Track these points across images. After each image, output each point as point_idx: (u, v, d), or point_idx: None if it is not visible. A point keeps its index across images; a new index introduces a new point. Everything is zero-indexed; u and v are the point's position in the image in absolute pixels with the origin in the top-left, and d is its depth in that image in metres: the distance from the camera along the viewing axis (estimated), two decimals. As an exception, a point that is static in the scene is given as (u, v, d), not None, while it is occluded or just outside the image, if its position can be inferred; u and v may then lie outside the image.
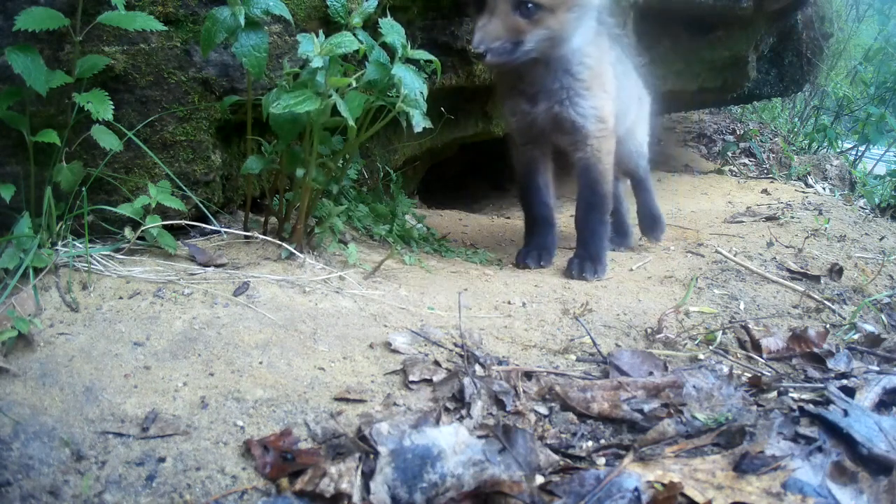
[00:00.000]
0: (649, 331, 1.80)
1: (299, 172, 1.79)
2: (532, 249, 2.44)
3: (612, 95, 2.34)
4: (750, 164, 5.70)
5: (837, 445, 1.26)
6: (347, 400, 1.33)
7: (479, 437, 1.21)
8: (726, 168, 5.41)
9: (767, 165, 5.60)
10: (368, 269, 1.98)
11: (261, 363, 1.40)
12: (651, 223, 2.86)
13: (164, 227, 1.75)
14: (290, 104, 1.57)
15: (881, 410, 1.43)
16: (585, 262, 2.28)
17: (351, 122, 1.65)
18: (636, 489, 1.10)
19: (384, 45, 1.71)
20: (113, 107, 1.61)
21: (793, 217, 3.32)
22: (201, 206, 1.91)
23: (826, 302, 2.16)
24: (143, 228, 1.72)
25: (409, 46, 1.70)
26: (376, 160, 2.86)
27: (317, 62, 1.59)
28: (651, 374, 1.53)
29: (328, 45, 1.61)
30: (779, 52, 5.29)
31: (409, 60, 1.71)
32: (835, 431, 1.29)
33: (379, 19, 1.71)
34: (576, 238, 2.41)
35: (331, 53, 1.60)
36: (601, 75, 2.29)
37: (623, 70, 2.58)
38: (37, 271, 1.55)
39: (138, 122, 1.77)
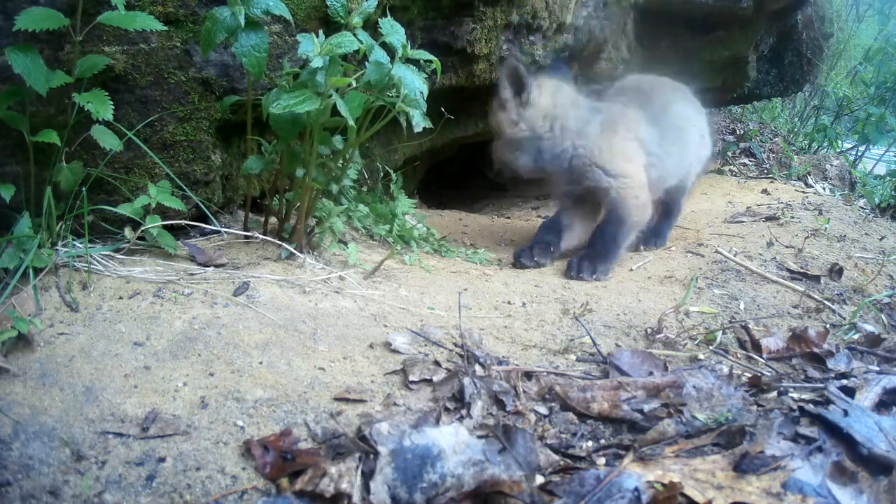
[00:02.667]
0: (649, 331, 1.80)
1: (299, 172, 1.79)
2: (533, 246, 2.47)
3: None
4: (750, 164, 5.69)
5: (837, 445, 1.26)
6: (347, 400, 1.33)
7: (479, 437, 1.21)
8: (726, 168, 5.40)
9: (767, 165, 5.60)
10: (368, 269, 1.98)
11: (261, 363, 1.40)
12: (654, 239, 2.87)
13: (164, 227, 1.75)
14: (290, 104, 1.57)
15: (881, 410, 1.43)
16: (589, 261, 2.29)
17: (351, 122, 1.65)
18: (636, 489, 1.10)
19: (384, 45, 1.71)
20: (113, 107, 1.61)
21: (793, 217, 3.32)
22: (201, 206, 1.91)
23: (826, 302, 2.16)
24: (143, 228, 1.72)
25: (409, 46, 1.70)
26: (376, 160, 2.86)
27: (317, 62, 1.59)
28: (651, 374, 1.53)
29: (328, 45, 1.61)
30: (779, 52, 5.29)
31: (409, 60, 1.71)
32: (835, 431, 1.29)
33: (379, 19, 1.71)
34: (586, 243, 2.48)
35: (331, 53, 1.60)
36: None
37: (687, 122, 2.78)
38: (37, 271, 1.55)
39: (138, 122, 1.77)
